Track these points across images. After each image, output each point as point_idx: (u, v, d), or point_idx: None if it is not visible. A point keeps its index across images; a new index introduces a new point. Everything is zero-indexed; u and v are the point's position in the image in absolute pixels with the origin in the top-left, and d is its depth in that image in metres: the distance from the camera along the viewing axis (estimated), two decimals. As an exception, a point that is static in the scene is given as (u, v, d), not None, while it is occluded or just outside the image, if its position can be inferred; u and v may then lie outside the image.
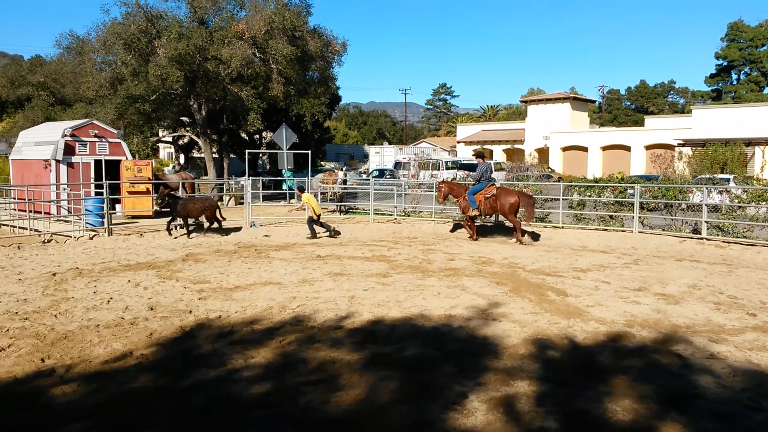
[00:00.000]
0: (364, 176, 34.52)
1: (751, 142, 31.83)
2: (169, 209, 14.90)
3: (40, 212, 17.74)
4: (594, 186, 16.36)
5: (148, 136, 31.82)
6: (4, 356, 5.94)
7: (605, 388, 4.95)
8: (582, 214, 16.06)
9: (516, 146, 49.36)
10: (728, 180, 20.05)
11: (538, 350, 5.91)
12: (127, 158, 20.22)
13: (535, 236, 14.83)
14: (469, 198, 14.40)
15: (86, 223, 15.91)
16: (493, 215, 15.71)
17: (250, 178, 18.91)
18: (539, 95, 56.34)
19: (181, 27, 24.13)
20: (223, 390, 5.01)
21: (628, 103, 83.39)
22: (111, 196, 15.08)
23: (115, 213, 15.37)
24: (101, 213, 15.76)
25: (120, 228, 15.71)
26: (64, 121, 23.28)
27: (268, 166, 39.08)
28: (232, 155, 34.47)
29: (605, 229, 15.24)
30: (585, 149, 43.46)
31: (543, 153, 46.47)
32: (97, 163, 19.57)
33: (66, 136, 18.92)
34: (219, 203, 16.63)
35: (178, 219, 14.92)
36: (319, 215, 15.16)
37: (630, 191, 15.45)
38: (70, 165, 19.03)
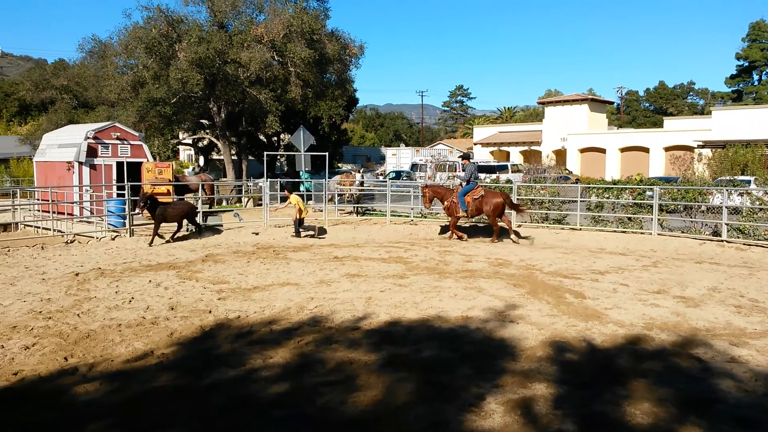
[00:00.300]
0: (381, 178, 34.59)
1: (772, 144, 31.33)
2: (149, 212, 14.51)
3: (63, 213, 18.05)
4: (612, 188, 16.24)
5: (168, 138, 32.27)
6: (28, 354, 6.07)
7: (624, 391, 4.93)
8: (600, 216, 15.95)
9: (533, 148, 49.08)
10: (749, 182, 19.76)
11: (556, 353, 5.89)
12: (148, 160, 20.47)
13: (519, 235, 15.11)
14: (459, 200, 14.56)
15: (108, 224, 16.16)
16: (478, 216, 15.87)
17: (269, 179, 19.06)
18: (557, 96, 55.97)
19: (202, 31, 24.44)
20: (242, 390, 5.07)
21: (647, 105, 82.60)
22: (132, 198, 15.28)
23: (136, 214, 15.55)
24: (123, 214, 16.00)
25: (141, 229, 15.92)
26: (86, 124, 23.66)
27: (286, 168, 39.37)
28: (250, 157, 34.78)
29: (623, 231, 15.11)
30: (603, 151, 43.09)
31: (560, 155, 46.16)
32: (119, 165, 19.86)
33: (89, 138, 19.23)
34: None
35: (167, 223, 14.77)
36: (303, 217, 15.44)
37: (649, 193, 15.31)
38: (93, 167, 19.34)
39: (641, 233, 14.83)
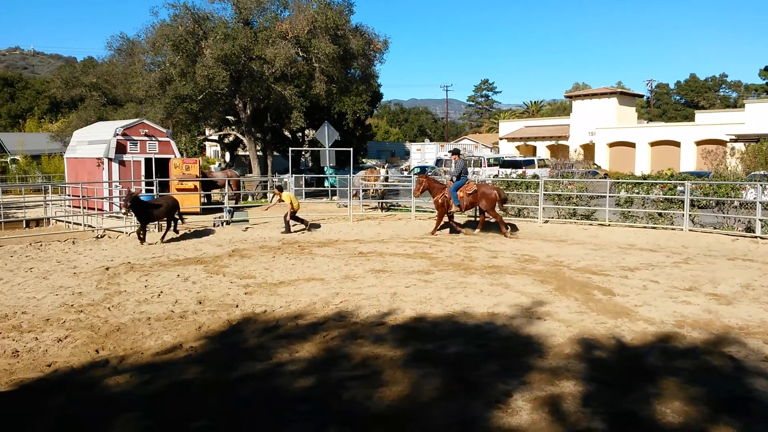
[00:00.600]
0: (406, 173, 34.54)
1: (809, 137, 30.45)
2: (134, 211, 13.97)
3: (94, 209, 18.40)
4: (642, 183, 15.95)
5: (195, 134, 32.67)
6: (61, 347, 6.20)
7: (654, 389, 4.84)
8: (629, 212, 15.69)
9: (560, 142, 48.48)
10: (785, 176, 19.24)
11: (584, 350, 5.81)
12: (175, 156, 20.74)
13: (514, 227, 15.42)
14: (452, 194, 14.74)
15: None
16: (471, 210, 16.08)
17: (293, 175, 19.18)
18: (585, 90, 55.15)
19: (227, 28, 24.65)
20: (268, 383, 5.11)
21: (678, 98, 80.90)
22: (160, 193, 15.48)
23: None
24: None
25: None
26: (115, 121, 24.08)
27: (310, 164, 39.54)
28: (275, 153, 35.02)
29: (654, 227, 14.84)
30: (632, 145, 42.36)
31: (588, 149, 45.48)
32: (147, 161, 20.16)
33: (118, 135, 19.55)
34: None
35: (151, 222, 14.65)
36: (295, 212, 15.65)
37: (680, 188, 15.00)
38: (122, 163, 19.67)
39: (672, 229, 14.54)
